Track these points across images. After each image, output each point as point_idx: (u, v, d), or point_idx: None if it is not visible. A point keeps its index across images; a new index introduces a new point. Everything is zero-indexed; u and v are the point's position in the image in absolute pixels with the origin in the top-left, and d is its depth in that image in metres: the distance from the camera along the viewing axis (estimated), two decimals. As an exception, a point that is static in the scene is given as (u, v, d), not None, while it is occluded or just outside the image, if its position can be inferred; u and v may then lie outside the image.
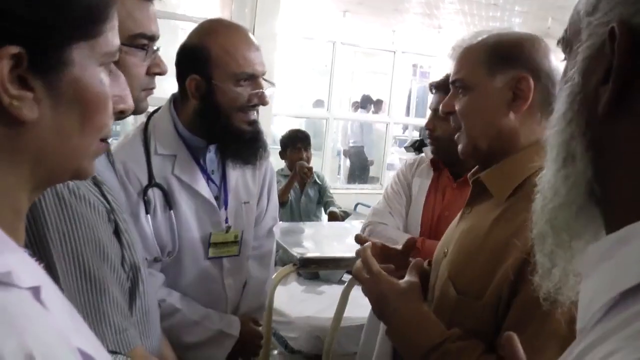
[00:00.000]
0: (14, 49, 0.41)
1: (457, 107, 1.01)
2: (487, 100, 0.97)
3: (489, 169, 0.99)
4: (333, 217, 3.15)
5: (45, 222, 0.70)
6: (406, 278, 0.97)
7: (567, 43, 0.49)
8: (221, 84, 1.25)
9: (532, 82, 0.93)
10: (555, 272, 0.51)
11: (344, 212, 3.19)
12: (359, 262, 1.01)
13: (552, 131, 0.48)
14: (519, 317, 0.86)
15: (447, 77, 1.83)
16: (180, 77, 1.30)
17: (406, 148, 2.88)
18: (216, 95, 1.26)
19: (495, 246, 0.92)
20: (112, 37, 0.50)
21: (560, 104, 0.47)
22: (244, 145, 1.32)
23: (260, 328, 1.53)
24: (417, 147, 2.66)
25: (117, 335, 0.76)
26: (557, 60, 0.97)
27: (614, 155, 0.42)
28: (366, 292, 0.99)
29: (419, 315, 0.94)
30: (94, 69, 0.48)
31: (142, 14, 0.87)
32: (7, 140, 0.44)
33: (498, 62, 0.96)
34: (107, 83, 0.50)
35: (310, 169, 3.10)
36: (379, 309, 0.97)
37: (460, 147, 1.04)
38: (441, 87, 1.69)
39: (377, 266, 0.98)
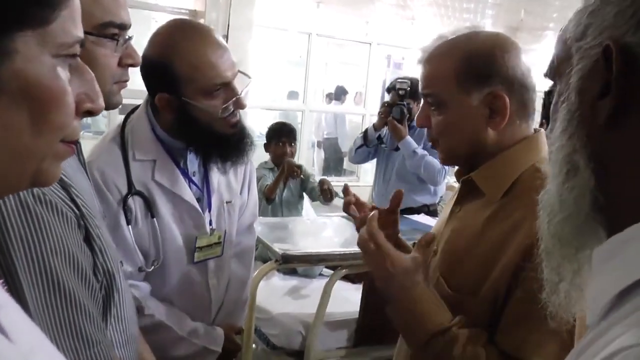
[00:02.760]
0: None
1: (433, 124, 0.99)
2: (464, 118, 0.95)
3: (480, 169, 0.98)
4: (323, 183, 3.02)
5: (7, 233, 0.63)
6: (412, 254, 0.92)
7: (557, 70, 0.53)
8: (193, 100, 1.18)
9: (507, 99, 0.92)
10: (562, 287, 0.53)
11: (335, 191, 3.09)
12: (364, 232, 0.94)
13: (553, 148, 0.51)
14: (517, 314, 0.86)
15: None
16: (149, 90, 1.23)
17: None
18: (191, 111, 1.19)
19: (490, 245, 0.91)
20: (69, 26, 0.45)
21: (559, 122, 0.50)
22: (231, 148, 1.26)
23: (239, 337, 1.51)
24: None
25: (90, 350, 0.71)
26: (527, 61, 0.96)
27: (615, 164, 0.46)
28: (370, 264, 0.94)
29: (426, 296, 0.90)
30: (45, 61, 0.43)
31: (110, 1, 0.81)
32: None
33: (471, 78, 0.93)
34: (64, 77, 0.45)
35: (300, 167, 3.05)
36: (383, 284, 0.92)
37: (439, 155, 1.03)
38: None
39: (384, 239, 0.91)
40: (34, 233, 0.66)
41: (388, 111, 3.02)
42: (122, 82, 0.87)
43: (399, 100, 3.01)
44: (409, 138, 3.00)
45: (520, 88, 0.94)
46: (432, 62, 0.97)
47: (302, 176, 3.09)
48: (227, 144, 1.25)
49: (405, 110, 2.98)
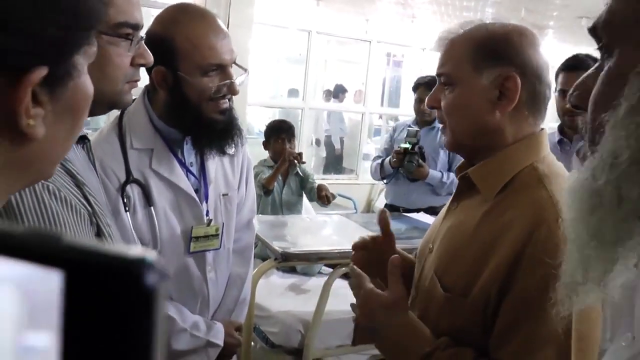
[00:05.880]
0: (43, 70, 0.39)
1: (442, 103, 0.98)
2: (473, 97, 0.94)
3: (477, 165, 0.98)
4: (321, 190, 3.04)
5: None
6: (390, 287, 0.96)
7: (615, 31, 0.45)
8: (188, 76, 1.20)
9: (519, 81, 0.91)
10: (583, 289, 0.48)
11: (332, 194, 3.12)
12: (353, 280, 1.02)
13: (611, 128, 0.43)
14: (512, 319, 0.85)
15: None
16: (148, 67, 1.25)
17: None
18: (183, 87, 1.21)
19: (483, 243, 0.91)
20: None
21: (626, 102, 0.43)
22: (217, 134, 1.28)
23: (239, 333, 1.51)
24: None
25: None
26: (545, 54, 0.96)
27: None
28: (359, 306, 1.01)
29: (407, 326, 0.94)
30: (86, 74, 0.46)
31: (125, 1, 0.81)
32: (4, 154, 0.41)
33: (485, 58, 0.93)
34: None
35: (300, 153, 3.06)
36: (369, 323, 0.98)
37: (445, 140, 1.03)
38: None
39: (367, 283, 0.98)
40: (49, 228, 0.67)
41: (401, 159, 2.97)
42: (134, 81, 0.87)
43: (411, 149, 2.95)
44: (432, 172, 2.99)
45: (533, 77, 0.93)
46: (451, 43, 0.98)
47: (300, 173, 3.10)
48: (214, 129, 1.26)
49: (418, 158, 2.93)
